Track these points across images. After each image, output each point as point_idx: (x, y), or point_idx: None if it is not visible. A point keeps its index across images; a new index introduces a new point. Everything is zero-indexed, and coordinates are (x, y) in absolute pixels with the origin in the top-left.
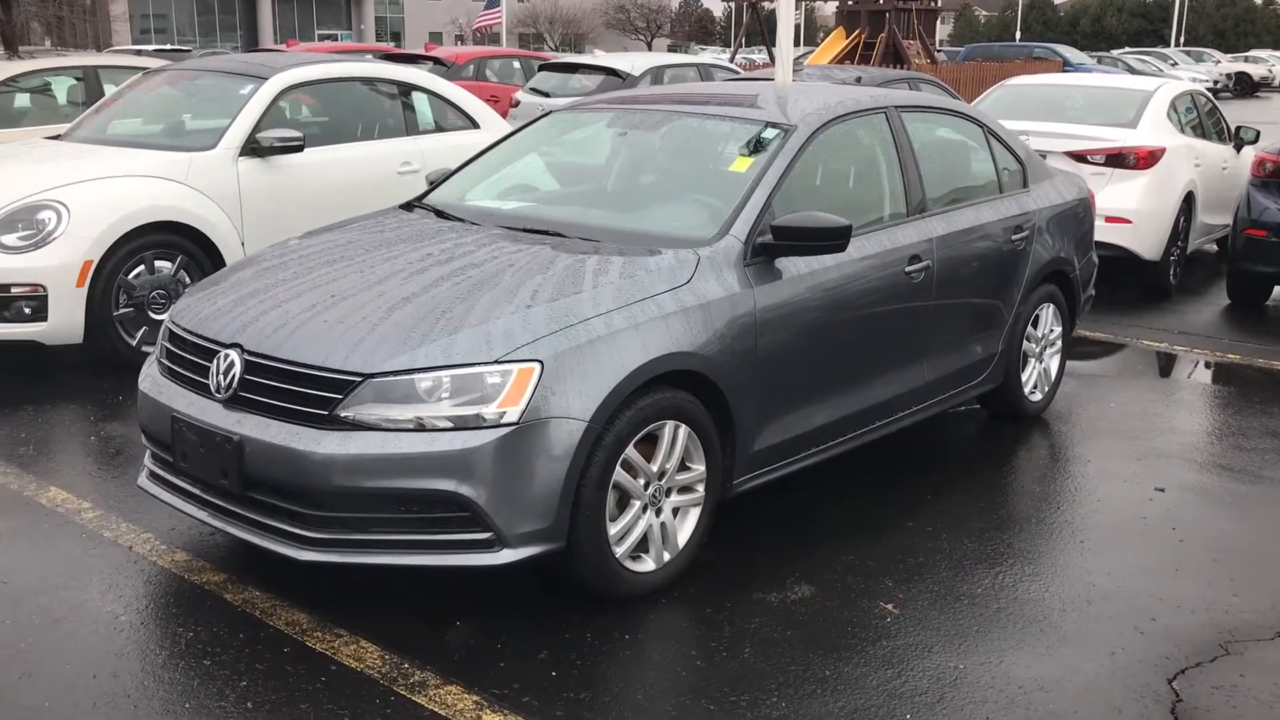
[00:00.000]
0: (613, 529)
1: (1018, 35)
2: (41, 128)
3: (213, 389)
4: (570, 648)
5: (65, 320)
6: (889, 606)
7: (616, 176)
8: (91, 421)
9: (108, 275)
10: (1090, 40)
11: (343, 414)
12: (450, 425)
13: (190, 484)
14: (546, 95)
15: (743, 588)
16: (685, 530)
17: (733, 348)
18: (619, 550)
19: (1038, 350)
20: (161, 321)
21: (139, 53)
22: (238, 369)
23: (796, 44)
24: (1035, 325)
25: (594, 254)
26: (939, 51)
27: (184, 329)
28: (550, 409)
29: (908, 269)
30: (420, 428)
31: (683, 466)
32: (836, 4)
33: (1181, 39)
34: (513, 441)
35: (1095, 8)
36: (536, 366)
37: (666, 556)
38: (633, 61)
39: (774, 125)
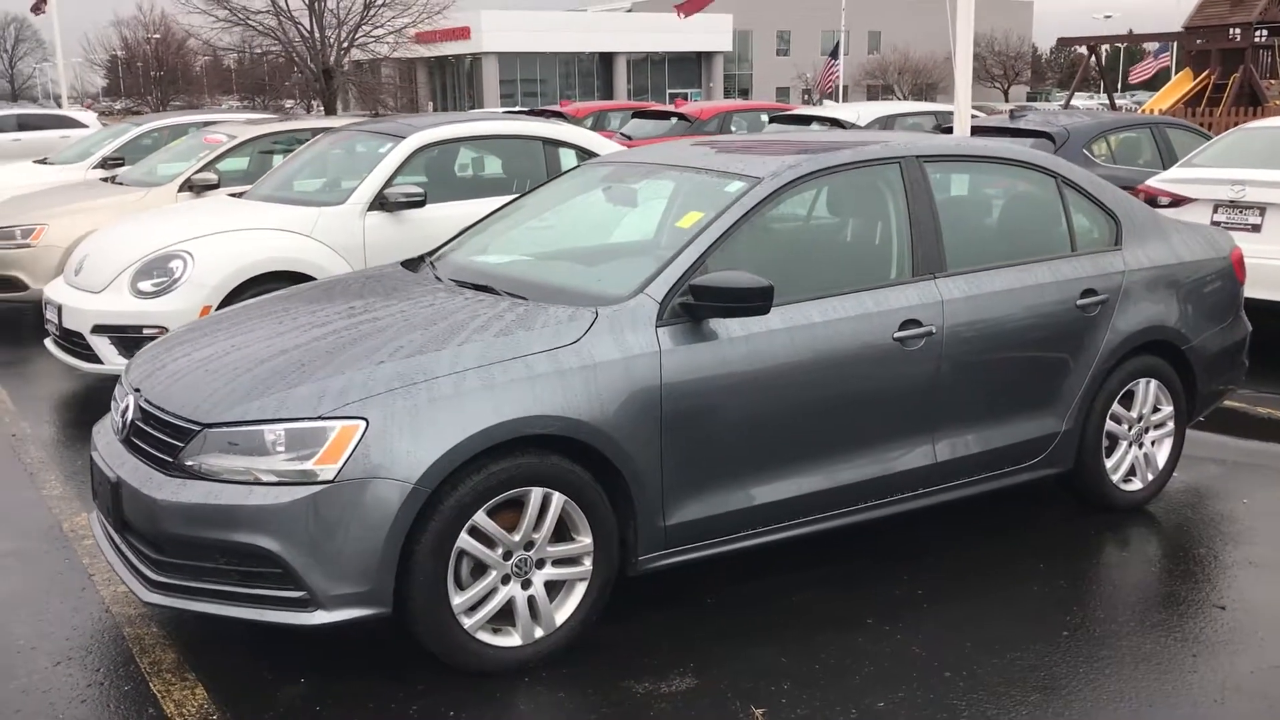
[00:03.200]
0: (459, 598)
1: None
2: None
3: (114, 430)
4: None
5: None
6: (758, 713)
7: (580, 232)
8: None
9: None
10: None
11: (187, 462)
12: (275, 479)
13: (101, 518)
14: None
15: (620, 674)
16: (567, 607)
17: (626, 414)
18: (468, 621)
19: (1131, 433)
20: None
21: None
22: (131, 412)
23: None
24: (1128, 404)
25: (495, 310)
26: None
27: (124, 372)
28: (372, 468)
29: (898, 334)
30: (254, 480)
31: (566, 537)
32: (1182, 44)
33: None
34: (326, 500)
35: None
36: (360, 424)
37: (538, 632)
38: (859, 111)
39: (742, 177)
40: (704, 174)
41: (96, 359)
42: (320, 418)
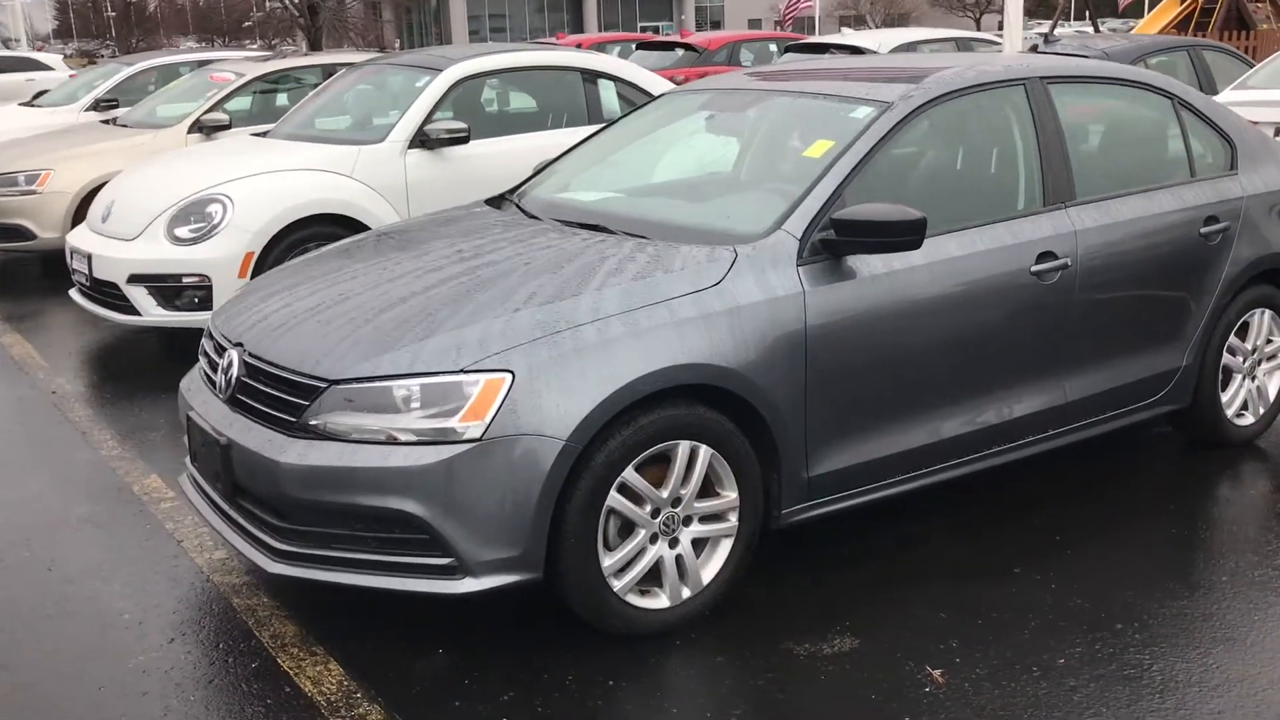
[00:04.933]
0: (609, 559)
1: None
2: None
3: (217, 388)
4: (541, 691)
5: None
6: (935, 674)
7: (685, 165)
8: None
9: (270, 266)
10: None
11: (312, 421)
12: (414, 439)
13: (204, 482)
14: None
15: (775, 635)
16: (713, 564)
17: (773, 359)
18: (618, 583)
19: (1246, 365)
20: None
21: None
22: (236, 369)
23: (1138, 14)
24: (1243, 335)
25: (621, 251)
26: None
27: (213, 326)
28: (520, 425)
29: (1035, 267)
30: (391, 440)
31: (710, 492)
32: None
33: None
34: (473, 459)
35: None
36: (507, 377)
37: (685, 593)
38: (880, 39)
39: (867, 102)
40: (821, 99)
41: (133, 310)
42: (462, 371)
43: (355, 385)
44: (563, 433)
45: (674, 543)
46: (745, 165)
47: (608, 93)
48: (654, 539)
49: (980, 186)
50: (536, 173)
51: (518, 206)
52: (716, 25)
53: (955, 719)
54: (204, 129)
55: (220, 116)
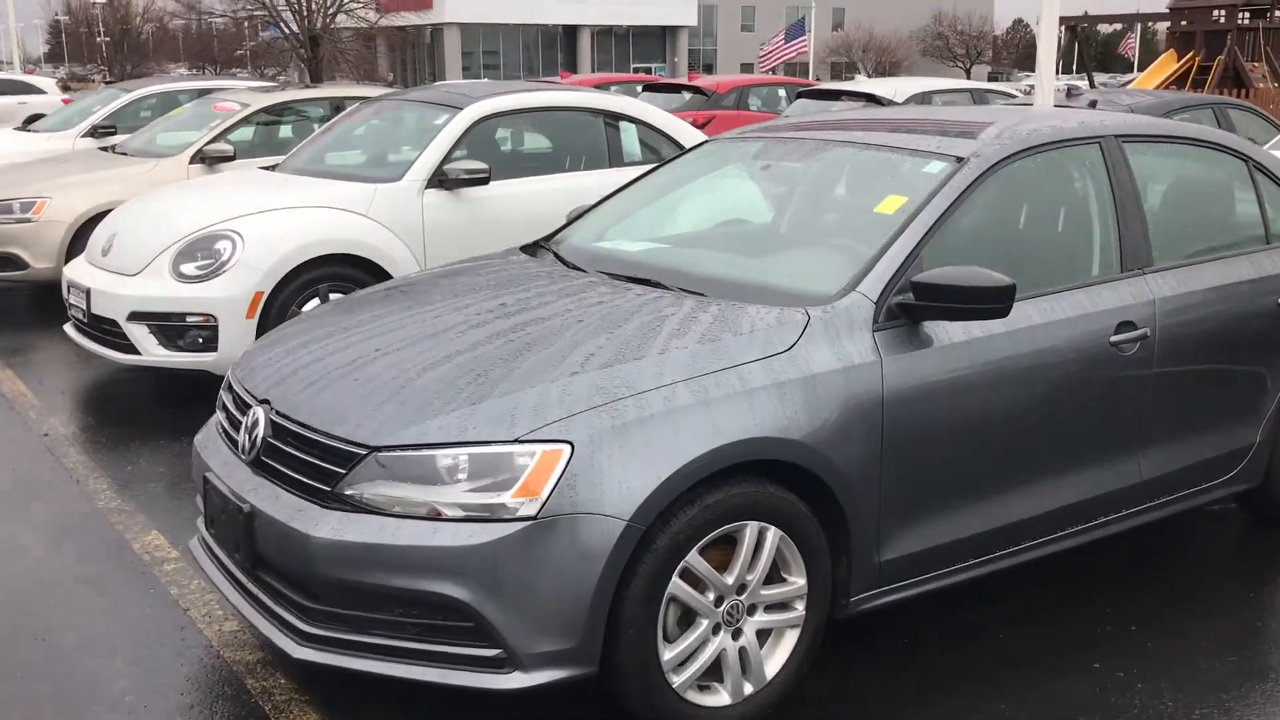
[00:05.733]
0: (669, 653)
1: None
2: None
3: (240, 449)
4: None
5: (235, 351)
6: None
7: (748, 217)
8: None
9: (280, 307)
10: None
11: (347, 491)
12: (461, 514)
13: (221, 551)
14: None
15: None
16: (777, 657)
17: (847, 433)
18: (677, 680)
19: None
20: None
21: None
22: (262, 428)
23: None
24: None
25: (681, 310)
26: None
27: (234, 379)
28: (579, 503)
29: (1115, 338)
30: (435, 515)
31: (776, 578)
32: (1168, 25)
33: None
34: (528, 540)
35: None
36: (565, 449)
37: (748, 689)
38: (895, 87)
39: (941, 157)
40: (888, 151)
41: (132, 349)
42: (516, 441)
43: (398, 453)
44: (625, 512)
45: (737, 634)
46: (806, 219)
47: (629, 135)
48: (716, 629)
49: (1057, 249)
50: (572, 220)
51: (556, 256)
52: (709, 69)
53: None
54: (206, 160)
55: (224, 147)
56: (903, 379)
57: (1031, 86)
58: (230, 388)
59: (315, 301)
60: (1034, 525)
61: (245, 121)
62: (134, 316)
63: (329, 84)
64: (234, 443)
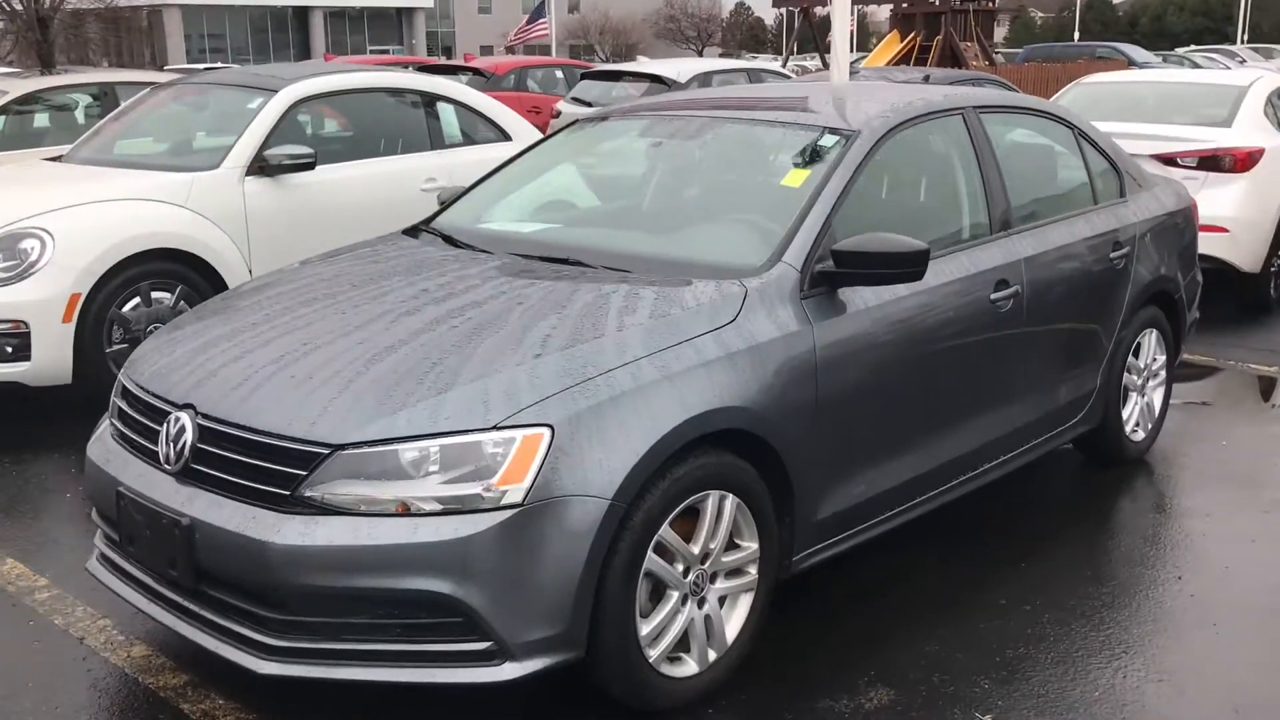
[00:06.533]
0: (645, 628)
1: (1076, 36)
2: (56, 149)
3: (162, 459)
4: None
5: (51, 359)
6: (985, 719)
7: (651, 194)
8: (72, 475)
9: (98, 309)
10: (1151, 40)
11: (308, 494)
12: (439, 508)
13: (140, 571)
14: (589, 105)
15: (805, 693)
16: (735, 622)
17: (788, 398)
18: (653, 653)
19: (1140, 383)
20: None
21: (189, 71)
22: (189, 435)
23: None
24: (1136, 354)
25: (620, 287)
26: (997, 54)
27: (136, 384)
28: (564, 485)
29: (994, 296)
30: (405, 510)
31: (731, 545)
32: (890, 8)
33: (1245, 35)
34: (516, 528)
35: (1155, 6)
36: (545, 432)
37: (712, 655)
38: (679, 68)
39: (833, 131)
40: (780, 127)
41: None
42: (495, 428)
43: (365, 449)
44: (608, 491)
45: (701, 603)
46: (708, 194)
47: (448, 117)
48: (684, 600)
49: (940, 215)
50: (447, 203)
51: (450, 239)
52: (448, 51)
53: None
54: None
55: None
56: (829, 343)
57: (800, 68)
58: (127, 394)
59: (136, 301)
60: (936, 475)
61: (0, 110)
62: None
63: (94, 69)
64: (146, 452)
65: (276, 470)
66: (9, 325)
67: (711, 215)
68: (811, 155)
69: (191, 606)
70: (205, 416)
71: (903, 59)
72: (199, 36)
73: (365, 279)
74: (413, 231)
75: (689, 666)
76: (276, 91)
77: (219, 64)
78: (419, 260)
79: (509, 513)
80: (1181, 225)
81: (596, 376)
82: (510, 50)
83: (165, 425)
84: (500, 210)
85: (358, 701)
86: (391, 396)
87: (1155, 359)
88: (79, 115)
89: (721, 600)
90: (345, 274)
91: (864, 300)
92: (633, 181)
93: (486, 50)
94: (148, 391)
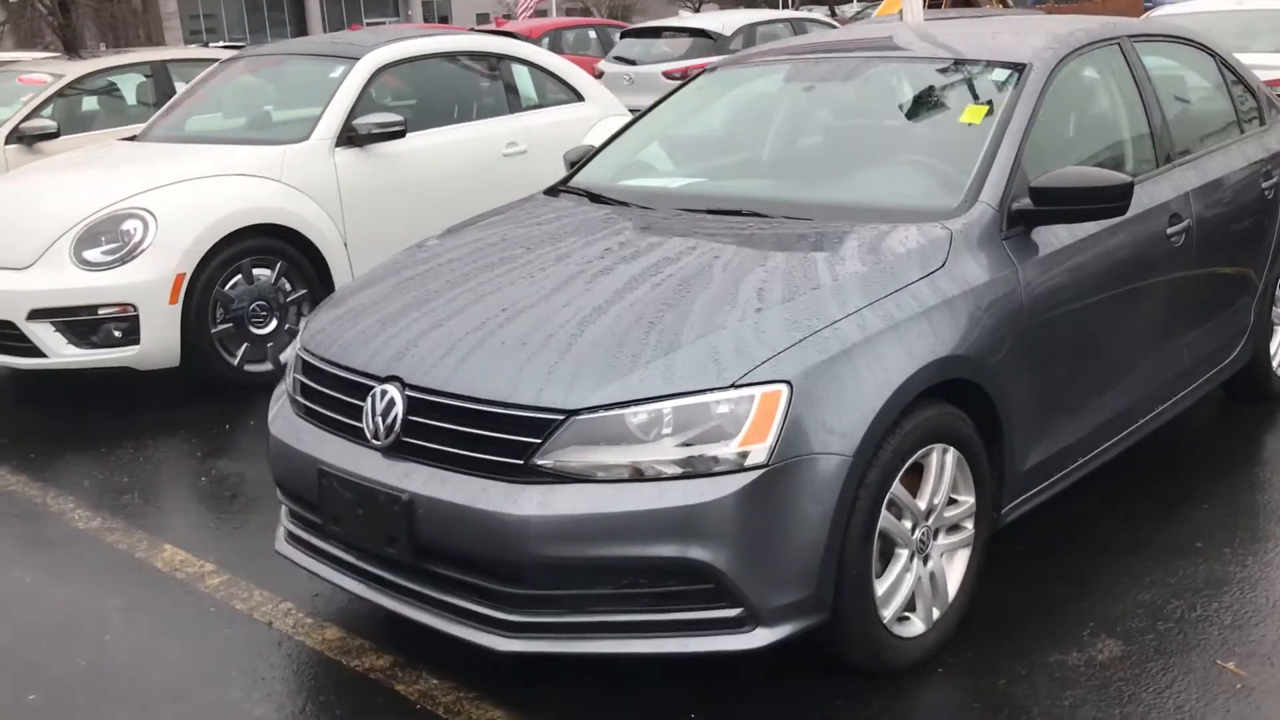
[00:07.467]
0: (881, 588)
1: None
2: (114, 130)
3: (369, 434)
4: None
5: (160, 342)
6: (1230, 666)
7: (814, 138)
8: (199, 459)
9: (203, 288)
10: None
11: (540, 462)
12: (678, 471)
13: (345, 551)
14: (633, 63)
15: (1031, 649)
16: (954, 578)
17: (1001, 345)
18: (886, 614)
19: None
20: (263, 337)
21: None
22: (399, 409)
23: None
24: None
25: (818, 236)
26: None
27: (323, 359)
28: (805, 444)
29: (1169, 231)
30: (638, 475)
31: (948, 500)
32: None
33: None
34: (763, 489)
35: None
36: (784, 389)
37: (936, 614)
38: (722, 20)
39: (1003, 65)
40: (938, 64)
41: (37, 351)
42: (732, 386)
43: (598, 415)
44: (848, 448)
45: (925, 560)
46: (876, 136)
47: (523, 79)
48: (911, 558)
49: (1113, 148)
50: (582, 162)
51: (597, 199)
52: (444, 20)
53: None
54: (25, 138)
55: (46, 123)
56: (1032, 285)
57: (854, 14)
58: (310, 369)
59: (237, 279)
60: (1121, 419)
61: (58, 94)
62: (35, 314)
63: (142, 49)
64: (344, 428)
65: (505, 439)
66: (116, 309)
67: (886, 157)
68: (986, 90)
69: (412, 586)
70: (414, 388)
71: None
72: (191, 17)
73: (538, 241)
74: (553, 192)
75: (916, 626)
76: (358, 59)
77: (221, 44)
78: (585, 220)
79: (755, 474)
80: None
81: (823, 329)
82: (520, 14)
83: (370, 399)
84: (643, 165)
85: (567, 672)
86: (617, 359)
87: None
88: (129, 97)
89: (943, 557)
90: (513, 237)
91: (1058, 239)
92: (789, 127)
93: (483, 18)
94: (340, 366)
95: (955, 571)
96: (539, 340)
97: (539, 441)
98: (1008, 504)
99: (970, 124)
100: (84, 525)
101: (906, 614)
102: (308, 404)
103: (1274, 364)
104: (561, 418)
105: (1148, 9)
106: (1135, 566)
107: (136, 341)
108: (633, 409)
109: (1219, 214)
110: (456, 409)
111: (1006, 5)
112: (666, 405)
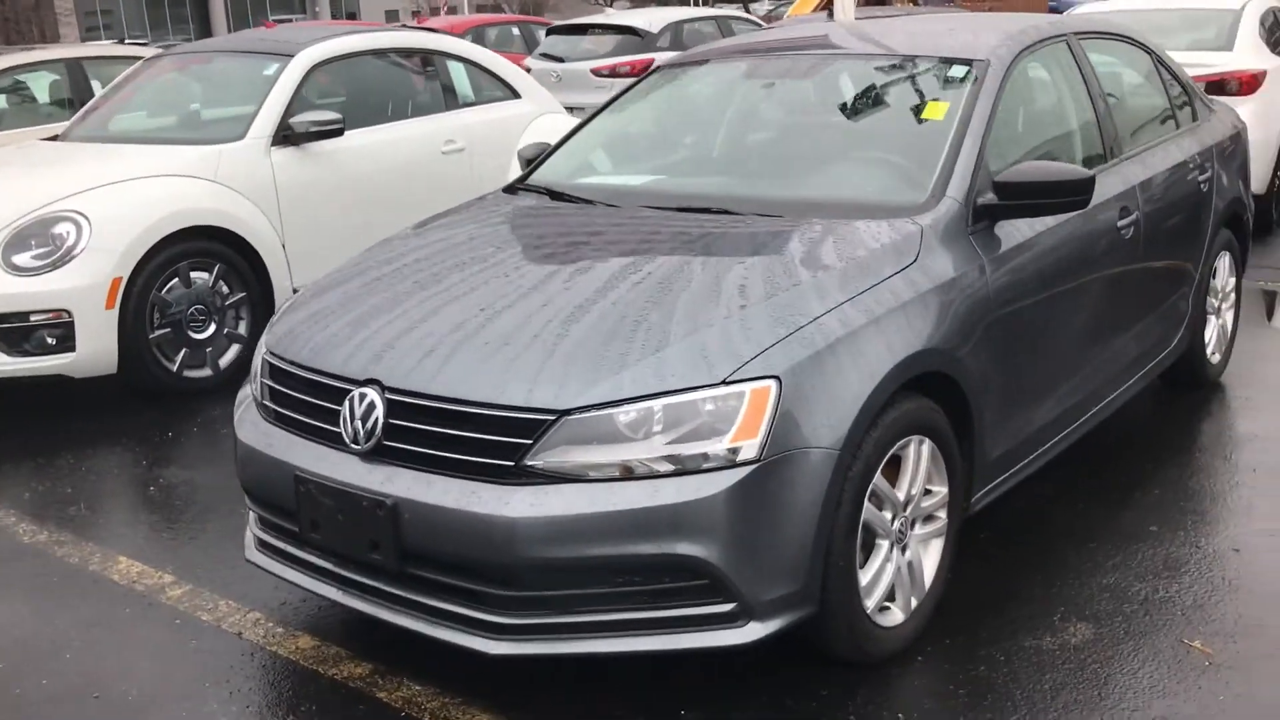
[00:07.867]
0: (864, 579)
1: None
2: (28, 130)
3: (347, 439)
4: None
5: (96, 348)
6: (1197, 645)
7: (777, 135)
8: (145, 467)
9: (139, 293)
10: None
11: (533, 463)
12: (670, 468)
13: (323, 557)
14: (560, 60)
15: (1005, 634)
16: (930, 567)
17: (971, 338)
18: (869, 604)
19: (1217, 305)
20: (202, 341)
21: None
22: (380, 412)
23: None
24: (1214, 277)
25: (792, 232)
26: None
27: (293, 362)
28: (795, 439)
29: (1120, 223)
30: (628, 474)
31: (924, 490)
32: None
33: None
34: (755, 484)
35: None
36: (773, 385)
37: (914, 602)
38: (649, 18)
39: (960, 61)
40: (896, 60)
41: None
42: (723, 383)
43: (589, 414)
44: (835, 442)
45: (903, 550)
46: (838, 132)
47: (459, 76)
48: (891, 548)
49: (1064, 143)
50: (537, 160)
51: (560, 195)
52: (352, 16)
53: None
54: None
55: None
56: (997, 279)
57: (767, 13)
58: (279, 374)
59: (174, 282)
60: (1077, 408)
61: None
62: None
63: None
64: (319, 434)
65: (493, 441)
66: (50, 315)
67: (852, 154)
68: (947, 87)
69: (396, 591)
70: (394, 391)
71: (826, 5)
72: (87, 14)
73: (506, 240)
74: (511, 190)
75: (896, 615)
76: (293, 56)
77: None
78: (553, 218)
79: (747, 469)
80: (1242, 147)
81: (807, 325)
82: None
83: (348, 403)
84: (601, 162)
85: (552, 674)
86: (606, 358)
87: (1228, 281)
88: (42, 95)
89: (918, 546)
90: (481, 236)
91: (1019, 232)
92: (751, 124)
93: (392, 15)
94: (312, 370)
95: (930, 560)
96: (523, 340)
97: (529, 442)
98: (977, 493)
99: (932, 120)
100: (30, 539)
101: (887, 604)
102: (278, 409)
103: (1208, 352)
104: (553, 418)
105: (1052, 9)
106: (1096, 552)
107: (72, 349)
108: (624, 408)
109: (1162, 207)
110: (440, 411)
111: (916, 1)
112: (657, 404)
